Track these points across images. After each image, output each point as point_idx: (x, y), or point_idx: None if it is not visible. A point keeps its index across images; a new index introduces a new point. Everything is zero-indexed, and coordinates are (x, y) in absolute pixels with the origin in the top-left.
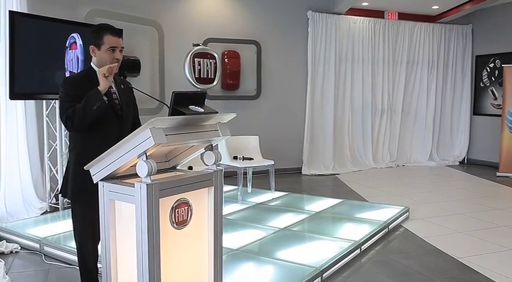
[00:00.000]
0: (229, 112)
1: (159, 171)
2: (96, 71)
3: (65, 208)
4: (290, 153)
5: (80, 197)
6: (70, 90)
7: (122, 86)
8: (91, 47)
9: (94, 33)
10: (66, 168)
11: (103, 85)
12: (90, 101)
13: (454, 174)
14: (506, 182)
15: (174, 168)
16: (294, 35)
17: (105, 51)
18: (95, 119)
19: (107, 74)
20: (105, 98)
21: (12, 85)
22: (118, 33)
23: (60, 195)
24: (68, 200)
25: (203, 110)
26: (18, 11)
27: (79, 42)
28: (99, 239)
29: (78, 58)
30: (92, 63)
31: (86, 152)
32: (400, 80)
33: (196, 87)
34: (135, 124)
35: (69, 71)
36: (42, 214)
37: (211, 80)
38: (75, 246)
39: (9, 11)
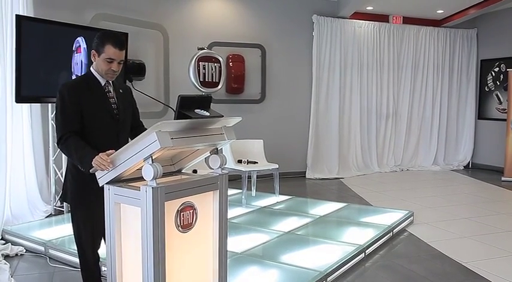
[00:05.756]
0: (234, 116)
1: (164, 175)
2: (95, 77)
3: (69, 211)
4: (294, 157)
5: (79, 201)
6: (67, 98)
7: (120, 91)
8: (92, 51)
9: (98, 39)
10: (65, 173)
11: (96, 167)
12: (79, 156)
13: (458, 178)
14: (511, 186)
15: (179, 172)
16: (299, 38)
17: (103, 60)
18: None
19: (100, 167)
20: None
21: (18, 88)
22: (120, 45)
23: (60, 199)
24: None
25: (209, 114)
26: (25, 15)
27: (83, 45)
28: (100, 242)
29: (82, 62)
30: (91, 68)
31: None
32: (404, 84)
33: (200, 90)
34: (137, 127)
35: (75, 75)
36: (47, 217)
37: (216, 84)
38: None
39: (16, 14)
